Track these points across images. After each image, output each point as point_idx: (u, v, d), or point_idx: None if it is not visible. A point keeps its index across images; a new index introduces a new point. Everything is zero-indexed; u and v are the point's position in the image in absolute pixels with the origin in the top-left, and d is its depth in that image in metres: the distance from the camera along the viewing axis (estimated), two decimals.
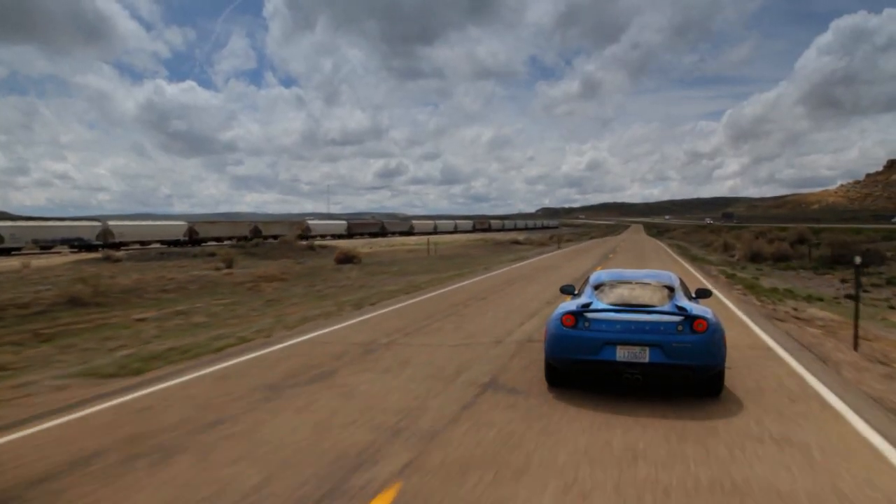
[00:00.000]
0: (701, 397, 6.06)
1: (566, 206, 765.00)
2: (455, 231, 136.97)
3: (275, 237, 43.67)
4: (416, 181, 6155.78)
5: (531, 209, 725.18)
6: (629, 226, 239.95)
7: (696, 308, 6.23)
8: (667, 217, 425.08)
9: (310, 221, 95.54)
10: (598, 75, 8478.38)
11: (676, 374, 5.79)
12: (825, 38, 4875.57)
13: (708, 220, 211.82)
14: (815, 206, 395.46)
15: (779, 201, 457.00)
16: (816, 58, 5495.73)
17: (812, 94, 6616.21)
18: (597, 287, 6.92)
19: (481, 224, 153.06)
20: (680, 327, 5.74)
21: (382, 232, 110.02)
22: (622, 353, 5.72)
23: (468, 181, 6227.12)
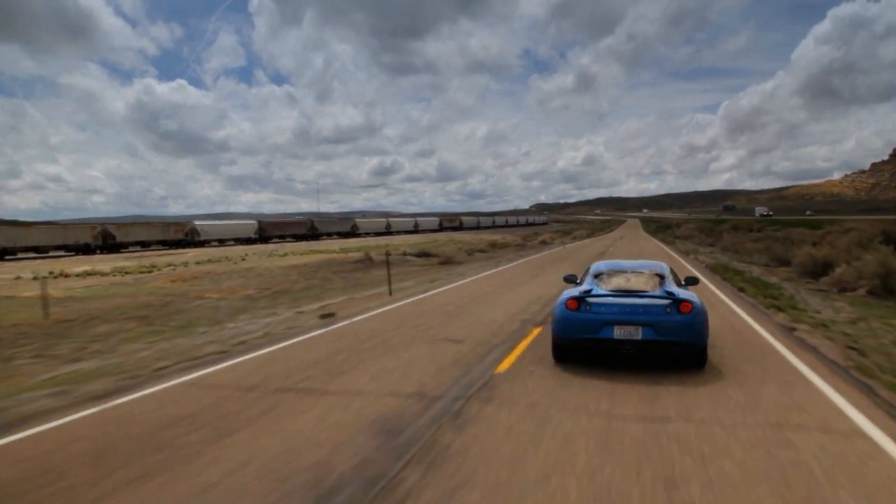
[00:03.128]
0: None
1: (562, 201, 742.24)
2: (415, 230, 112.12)
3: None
4: (412, 178, 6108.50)
5: (526, 205, 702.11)
6: (625, 220, 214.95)
7: (682, 293, 6.64)
8: (644, 210, 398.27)
9: (198, 223, 70.55)
10: (594, 69, 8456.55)
11: (665, 350, 6.23)
12: (823, 27, 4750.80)
13: (762, 212, 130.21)
14: (820, 198, 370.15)
15: (780, 193, 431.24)
16: (814, 47, 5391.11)
17: (809, 85, 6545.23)
18: (596, 276, 7.30)
19: (450, 222, 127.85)
20: (668, 309, 6.20)
21: (313, 233, 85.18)
22: (619, 332, 6.20)
23: (464, 178, 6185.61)
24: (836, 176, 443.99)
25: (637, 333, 6.12)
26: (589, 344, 6.37)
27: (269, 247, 61.66)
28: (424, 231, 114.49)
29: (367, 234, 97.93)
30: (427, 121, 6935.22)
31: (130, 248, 61.10)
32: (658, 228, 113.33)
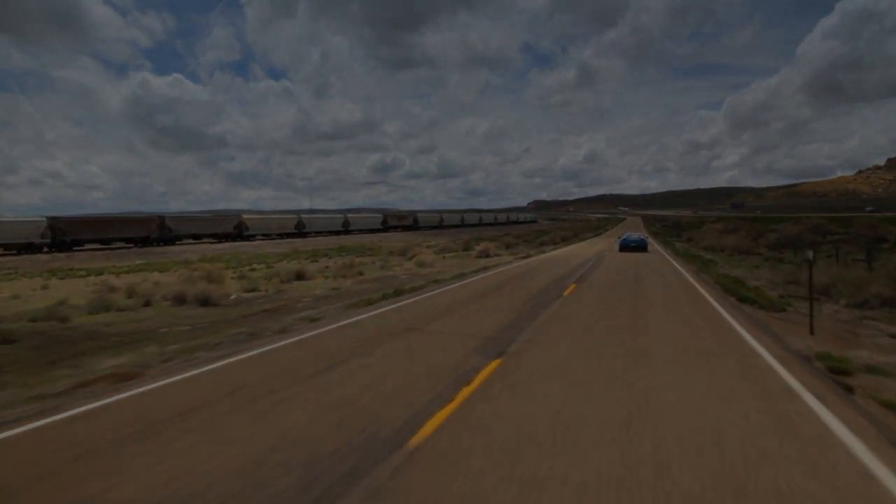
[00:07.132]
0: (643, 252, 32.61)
1: (563, 198, 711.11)
2: (344, 230, 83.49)
3: None
4: (413, 175, 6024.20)
5: (525, 203, 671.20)
6: (625, 219, 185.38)
7: (645, 236, 45.67)
8: (624, 208, 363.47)
9: None
10: (596, 63, 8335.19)
11: (639, 248, 34.93)
12: (830, 21, 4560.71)
13: None
14: (834, 195, 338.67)
15: (791, 190, 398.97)
16: (820, 42, 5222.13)
17: (814, 81, 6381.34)
18: (627, 235, 39.53)
19: (400, 220, 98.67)
20: (641, 240, 36.82)
21: (163, 237, 56.86)
22: (631, 244, 35.25)
23: (465, 175, 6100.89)
24: (840, 173, 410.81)
25: (635, 244, 34.92)
26: (628, 247, 34.70)
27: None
28: (360, 231, 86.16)
29: (267, 237, 69.55)
30: (427, 117, 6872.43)
31: None
32: (664, 229, 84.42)
